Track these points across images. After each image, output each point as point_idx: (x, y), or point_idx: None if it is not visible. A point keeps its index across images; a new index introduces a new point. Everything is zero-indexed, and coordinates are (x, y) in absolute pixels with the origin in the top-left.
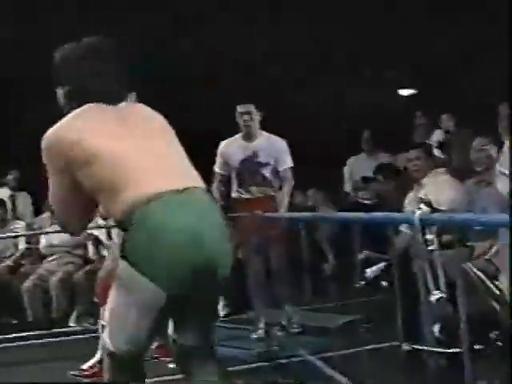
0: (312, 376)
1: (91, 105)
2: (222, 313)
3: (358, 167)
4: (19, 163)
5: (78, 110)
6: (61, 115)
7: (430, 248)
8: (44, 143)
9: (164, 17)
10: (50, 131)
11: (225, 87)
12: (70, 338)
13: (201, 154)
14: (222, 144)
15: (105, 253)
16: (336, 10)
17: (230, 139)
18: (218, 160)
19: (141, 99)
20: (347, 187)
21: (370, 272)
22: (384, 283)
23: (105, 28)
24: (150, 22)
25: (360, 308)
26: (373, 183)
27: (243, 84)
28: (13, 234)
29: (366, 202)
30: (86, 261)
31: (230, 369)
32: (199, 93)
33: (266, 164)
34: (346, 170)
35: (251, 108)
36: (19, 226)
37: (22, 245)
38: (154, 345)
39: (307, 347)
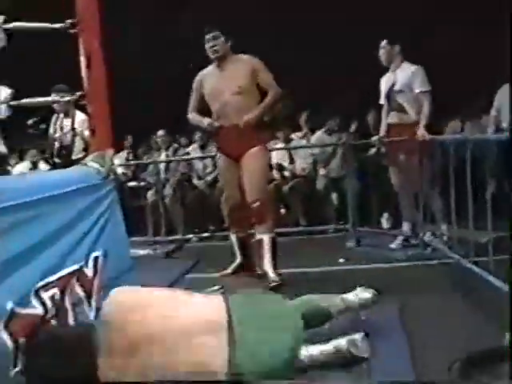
0: (464, 277)
1: None
2: (385, 226)
3: (504, 97)
4: None
5: None
6: None
7: None
8: None
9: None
10: None
11: None
12: None
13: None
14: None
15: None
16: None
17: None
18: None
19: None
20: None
21: None
22: None
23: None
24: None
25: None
26: None
27: None
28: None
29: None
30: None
31: (382, 266)
32: None
33: (400, 91)
34: (496, 99)
35: (383, 43)
36: None
37: None
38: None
39: (458, 254)
